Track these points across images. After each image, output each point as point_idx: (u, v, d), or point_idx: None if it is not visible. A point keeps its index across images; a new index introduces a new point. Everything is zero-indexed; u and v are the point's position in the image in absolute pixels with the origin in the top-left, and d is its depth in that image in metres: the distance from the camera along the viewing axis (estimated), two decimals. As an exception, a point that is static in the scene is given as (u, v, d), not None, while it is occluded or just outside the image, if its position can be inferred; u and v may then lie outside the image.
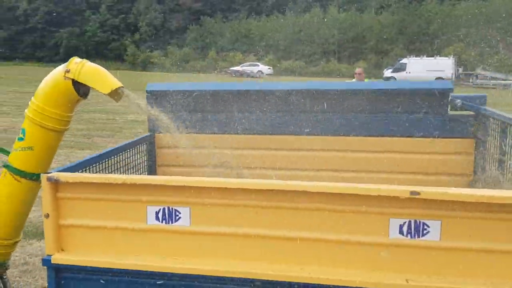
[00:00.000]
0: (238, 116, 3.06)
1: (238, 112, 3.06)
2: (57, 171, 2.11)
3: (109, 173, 2.77)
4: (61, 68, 2.53)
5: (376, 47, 46.81)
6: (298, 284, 1.84)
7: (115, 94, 2.52)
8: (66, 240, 2.11)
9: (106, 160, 2.71)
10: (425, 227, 1.77)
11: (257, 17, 55.26)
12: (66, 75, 2.51)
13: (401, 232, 1.78)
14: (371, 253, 1.81)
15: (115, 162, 2.86)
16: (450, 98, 2.78)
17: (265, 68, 42.89)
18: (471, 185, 2.70)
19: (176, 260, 1.97)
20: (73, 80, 2.49)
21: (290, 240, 1.86)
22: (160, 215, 1.99)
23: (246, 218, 1.90)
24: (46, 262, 2.06)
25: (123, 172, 2.93)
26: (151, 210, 1.99)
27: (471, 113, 2.79)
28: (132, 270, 1.97)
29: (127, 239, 2.02)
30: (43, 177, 2.04)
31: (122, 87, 2.54)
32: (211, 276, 1.90)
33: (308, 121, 2.95)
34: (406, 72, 33.98)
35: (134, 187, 1.96)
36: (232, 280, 1.89)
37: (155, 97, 3.23)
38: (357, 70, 10.02)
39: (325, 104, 2.93)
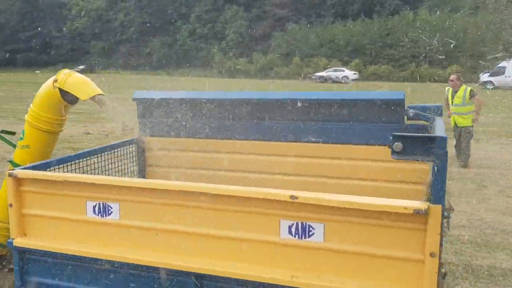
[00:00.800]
0: (201, 121, 3.31)
1: (204, 118, 3.31)
2: (32, 167, 2.54)
3: (97, 171, 3.13)
4: (52, 78, 2.97)
5: (472, 50, 44.11)
6: (202, 275, 2.08)
7: (97, 101, 2.93)
8: (27, 227, 2.49)
9: (84, 159, 3.03)
10: (311, 229, 1.92)
11: (342, 22, 54.38)
12: (54, 84, 2.97)
13: (290, 232, 1.95)
14: (265, 250, 2.00)
15: (105, 160, 3.19)
16: (404, 108, 2.77)
17: (350, 74, 42.22)
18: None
19: (108, 248, 2.29)
20: (60, 88, 2.94)
21: (199, 235, 2.11)
22: (96, 209, 2.32)
23: (163, 215, 2.17)
24: (9, 244, 2.45)
25: (111, 171, 3.23)
26: (90, 204, 2.32)
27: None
28: (75, 255, 2.32)
29: (71, 228, 2.39)
30: (7, 173, 2.43)
31: (100, 94, 2.93)
32: (133, 264, 2.22)
33: (266, 128, 3.14)
34: (506, 76, 31.56)
35: (75, 184, 2.32)
36: (148, 268, 2.20)
37: (142, 103, 3.54)
38: (452, 76, 9.29)
39: (276, 113, 3.11)
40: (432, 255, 1.76)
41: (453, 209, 2.77)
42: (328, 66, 46.62)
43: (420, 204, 1.78)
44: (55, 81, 3.01)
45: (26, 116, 3.13)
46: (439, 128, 2.43)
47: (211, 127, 3.26)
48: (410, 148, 1.74)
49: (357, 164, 2.82)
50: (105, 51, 64.80)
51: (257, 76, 47.70)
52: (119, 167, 3.28)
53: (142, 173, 3.54)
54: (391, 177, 2.83)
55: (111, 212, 2.30)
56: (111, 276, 2.30)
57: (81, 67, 61.58)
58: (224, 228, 2.08)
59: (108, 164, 3.24)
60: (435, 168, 1.71)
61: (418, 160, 1.77)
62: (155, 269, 2.18)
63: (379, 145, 2.68)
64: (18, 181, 2.45)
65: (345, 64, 47.24)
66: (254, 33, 61.60)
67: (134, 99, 3.55)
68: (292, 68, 50.65)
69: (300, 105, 2.98)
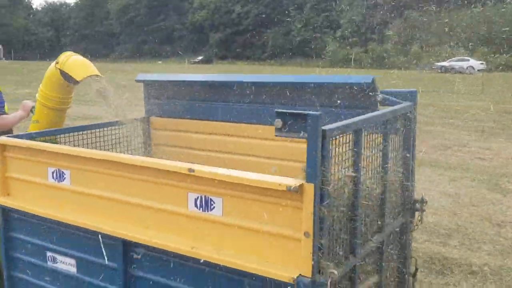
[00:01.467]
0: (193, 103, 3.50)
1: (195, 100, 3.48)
2: (15, 136, 2.89)
3: (104, 145, 3.41)
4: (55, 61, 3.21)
5: None
6: (128, 241, 2.27)
7: (94, 85, 3.16)
8: (10, 188, 2.81)
9: (82, 132, 3.31)
10: (212, 202, 2.03)
11: (469, 7, 50.13)
12: (56, 66, 3.20)
13: (195, 205, 2.07)
14: (176, 220, 2.15)
15: (110, 135, 3.45)
16: (375, 92, 2.73)
17: (476, 64, 39.04)
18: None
19: (63, 211, 2.55)
20: (60, 69, 3.17)
21: (125, 203, 2.32)
22: (54, 175, 2.59)
23: (99, 182, 2.41)
24: None
25: (120, 146, 3.50)
26: (50, 170, 2.59)
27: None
28: (41, 216, 2.62)
29: (38, 192, 2.67)
30: None
31: (96, 76, 3.14)
32: (81, 227, 2.46)
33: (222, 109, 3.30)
34: None
35: (39, 152, 2.62)
36: (90, 231, 2.43)
37: (146, 85, 3.73)
38: None
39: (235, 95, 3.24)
40: (306, 234, 1.78)
41: (426, 202, 2.72)
42: (452, 55, 43.33)
43: (293, 182, 1.80)
44: (57, 63, 3.24)
45: (37, 95, 3.44)
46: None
47: (203, 108, 3.44)
48: (290, 126, 1.76)
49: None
50: (222, 42, 67.06)
51: (372, 66, 45.96)
52: (113, 145, 3.50)
53: (148, 151, 3.77)
54: None
55: (64, 178, 2.59)
56: (68, 237, 2.60)
57: (199, 58, 64.61)
58: (144, 197, 2.27)
59: (111, 140, 3.53)
60: (308, 146, 1.74)
61: (294, 138, 1.78)
62: (96, 233, 2.42)
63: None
64: (2, 147, 2.80)
65: (471, 53, 43.52)
66: (370, 21, 59.45)
67: (137, 80, 3.77)
68: (410, 57, 48.07)
69: (272, 88, 3.09)
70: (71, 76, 3.18)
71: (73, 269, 2.62)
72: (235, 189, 1.96)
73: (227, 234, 2.03)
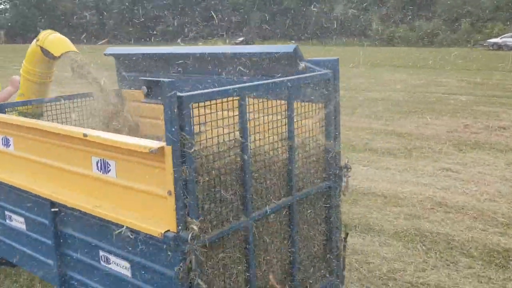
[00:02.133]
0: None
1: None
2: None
3: (80, 115, 3.71)
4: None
5: None
6: (51, 200, 2.57)
7: (70, 60, 3.44)
8: None
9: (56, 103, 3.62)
10: (108, 165, 2.26)
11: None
12: (37, 43, 3.54)
13: (97, 168, 2.32)
14: (85, 182, 2.43)
15: (86, 106, 3.71)
16: (298, 61, 2.76)
17: (531, 40, 36.60)
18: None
19: (6, 174, 2.90)
20: (41, 46, 3.51)
21: (47, 166, 2.63)
22: (3, 141, 2.91)
23: (31, 148, 2.71)
24: None
25: (94, 116, 3.62)
26: (1, 138, 2.92)
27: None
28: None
29: None
30: None
31: (73, 51, 3.48)
32: (24, 190, 2.75)
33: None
34: None
35: None
36: (26, 192, 2.74)
37: (119, 59, 3.89)
38: None
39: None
40: (169, 193, 1.95)
41: (349, 168, 2.83)
42: (505, 31, 41.02)
43: (155, 144, 1.97)
44: (37, 40, 3.56)
45: (21, 70, 3.78)
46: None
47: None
48: (153, 92, 1.91)
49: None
50: (263, 22, 66.30)
51: (419, 44, 44.18)
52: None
53: (118, 122, 3.89)
54: None
55: (10, 144, 2.91)
56: (17, 198, 2.90)
57: (240, 39, 64.20)
58: (62, 161, 2.55)
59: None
60: (165, 111, 1.86)
61: (158, 103, 1.90)
62: (31, 194, 2.73)
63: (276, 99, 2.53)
64: None
65: (525, 29, 41.14)
66: (418, -3, 57.05)
67: (105, 54, 3.91)
68: (459, 34, 46.05)
69: (210, 59, 3.18)
70: (49, 52, 3.54)
71: (23, 226, 2.98)
72: (120, 152, 2.18)
73: (119, 194, 2.28)
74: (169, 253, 2.03)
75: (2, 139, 2.96)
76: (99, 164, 2.32)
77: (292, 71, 2.76)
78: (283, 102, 2.48)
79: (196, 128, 1.99)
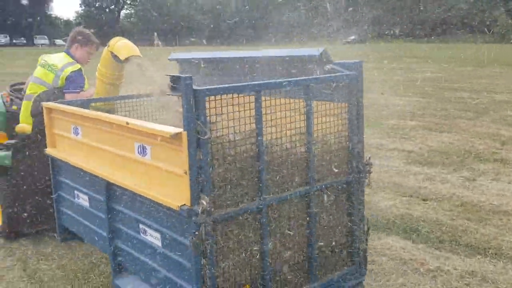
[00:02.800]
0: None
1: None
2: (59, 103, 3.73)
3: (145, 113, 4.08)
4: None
5: None
6: (108, 181, 3.00)
7: (135, 62, 3.92)
8: (56, 141, 3.69)
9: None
10: (145, 149, 2.62)
11: None
12: (108, 48, 4.05)
13: (138, 151, 2.68)
14: (130, 164, 2.80)
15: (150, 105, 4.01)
16: (328, 64, 2.94)
17: None
18: None
19: (75, 158, 3.40)
20: (111, 51, 4.01)
21: (107, 151, 3.04)
22: (74, 130, 3.39)
23: (95, 136, 3.16)
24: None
25: (156, 114, 4.05)
26: (72, 127, 3.41)
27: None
28: (70, 163, 3.45)
29: (66, 143, 3.56)
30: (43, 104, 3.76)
31: (137, 56, 3.94)
32: (84, 170, 3.28)
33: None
34: None
35: (64, 113, 3.47)
36: (86, 172, 3.26)
37: (181, 63, 4.10)
38: None
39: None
40: (185, 172, 2.27)
41: (371, 164, 2.97)
42: None
43: (175, 130, 2.30)
44: (108, 46, 4.09)
45: (96, 73, 4.27)
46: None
47: (215, 81, 3.77)
48: (177, 87, 2.23)
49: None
50: (376, 20, 64.19)
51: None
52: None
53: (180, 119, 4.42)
54: None
55: (78, 133, 3.35)
56: (82, 178, 3.37)
57: (352, 37, 62.66)
58: (111, 146, 2.96)
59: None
60: (183, 102, 2.21)
61: (180, 95, 2.24)
62: (91, 175, 3.19)
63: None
64: (49, 110, 3.70)
65: None
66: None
67: (169, 59, 4.12)
68: None
69: (253, 63, 3.43)
70: (117, 56, 4.04)
71: (87, 204, 3.41)
72: (153, 137, 2.52)
73: (153, 174, 2.61)
74: (185, 224, 2.39)
75: (73, 128, 3.44)
76: (139, 149, 2.70)
77: (317, 71, 3.00)
78: (301, 100, 2.75)
79: (212, 119, 2.34)
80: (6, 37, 61.33)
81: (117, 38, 4.11)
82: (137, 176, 2.75)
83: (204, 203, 2.27)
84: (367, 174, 3.01)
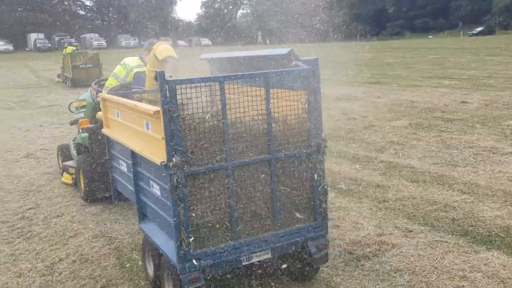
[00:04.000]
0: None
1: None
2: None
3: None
4: None
5: None
6: (132, 150, 3.90)
7: (169, 62, 5.02)
8: (109, 123, 4.64)
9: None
10: (149, 125, 3.42)
11: None
12: (152, 51, 5.11)
13: (145, 127, 3.48)
14: (145, 137, 3.56)
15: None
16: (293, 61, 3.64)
17: None
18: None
19: (117, 134, 4.39)
20: (153, 53, 5.05)
21: (132, 128, 3.88)
22: (117, 114, 4.26)
23: (126, 116, 4.05)
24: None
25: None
26: (115, 111, 4.29)
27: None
28: (113, 137, 4.52)
29: (114, 124, 4.50)
30: (99, 95, 5.13)
31: (172, 57, 5.02)
32: (121, 143, 4.21)
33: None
34: None
35: (111, 102, 4.45)
36: (122, 144, 4.19)
37: (212, 63, 4.76)
38: None
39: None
40: (162, 138, 3.10)
41: (326, 140, 3.61)
42: None
43: (156, 109, 3.20)
44: (153, 48, 5.11)
45: (145, 70, 5.38)
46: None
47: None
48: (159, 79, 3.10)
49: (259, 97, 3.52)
50: (508, 9, 58.45)
51: None
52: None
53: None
54: None
55: (119, 115, 4.22)
56: (123, 150, 4.32)
57: (479, 29, 57.70)
58: (132, 123, 3.86)
59: None
60: (160, 89, 3.08)
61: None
62: (124, 146, 4.18)
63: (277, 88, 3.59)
64: (104, 100, 4.68)
65: None
66: None
67: (201, 59, 4.80)
68: None
69: (241, 60, 4.26)
70: (156, 56, 4.99)
71: (125, 169, 4.38)
72: (150, 116, 3.33)
73: (153, 142, 3.38)
74: (165, 176, 3.20)
75: (116, 112, 4.29)
76: (146, 125, 3.48)
77: (287, 67, 3.65)
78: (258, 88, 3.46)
79: (184, 101, 3.16)
80: (136, 39, 66.83)
81: (160, 42, 5.20)
82: (145, 145, 3.61)
83: (175, 160, 3.08)
84: (324, 149, 3.63)
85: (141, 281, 4.10)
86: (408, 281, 3.89)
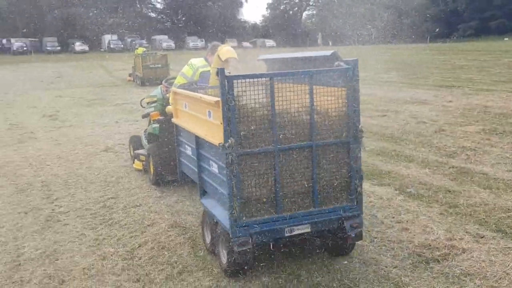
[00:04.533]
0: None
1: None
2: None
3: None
4: None
5: None
6: (196, 135, 4.63)
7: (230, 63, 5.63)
8: (178, 113, 5.42)
9: None
10: (210, 113, 4.07)
11: None
12: (216, 52, 5.75)
13: (208, 115, 4.14)
14: (207, 124, 4.22)
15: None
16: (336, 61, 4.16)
17: None
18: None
19: (184, 123, 5.14)
20: (217, 54, 5.70)
21: (196, 117, 4.64)
22: (185, 105, 5.05)
23: (192, 107, 4.76)
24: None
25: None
26: (184, 103, 5.10)
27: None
28: (181, 125, 5.31)
29: (182, 114, 5.29)
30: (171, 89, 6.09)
31: (233, 58, 5.64)
32: (187, 130, 4.96)
33: None
34: None
35: (180, 95, 5.25)
36: (188, 131, 4.99)
37: (268, 63, 5.41)
38: None
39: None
40: (220, 123, 3.68)
41: (362, 131, 4.02)
42: None
43: (216, 99, 3.83)
44: (216, 50, 5.77)
45: (210, 68, 6.14)
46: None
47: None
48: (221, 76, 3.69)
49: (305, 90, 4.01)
50: None
51: None
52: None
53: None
54: None
55: (187, 106, 4.96)
56: (187, 136, 5.08)
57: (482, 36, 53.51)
58: (197, 112, 4.54)
59: None
60: (220, 83, 3.70)
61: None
62: (189, 132, 4.93)
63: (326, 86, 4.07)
64: (175, 93, 5.46)
65: None
66: None
67: (258, 60, 5.40)
68: None
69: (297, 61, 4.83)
70: (219, 57, 5.63)
71: (190, 152, 5.08)
72: (211, 105, 4.00)
73: (213, 128, 4.00)
74: (221, 155, 3.80)
75: (184, 104, 5.05)
76: (208, 113, 4.12)
77: (331, 67, 4.11)
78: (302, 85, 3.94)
79: (238, 93, 3.70)
80: (203, 41, 68.58)
81: (224, 45, 5.88)
82: (207, 130, 4.25)
83: (230, 141, 3.66)
84: (361, 139, 4.04)
85: (214, 269, 4.36)
86: (478, 286, 3.88)
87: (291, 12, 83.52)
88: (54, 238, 5.26)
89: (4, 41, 65.48)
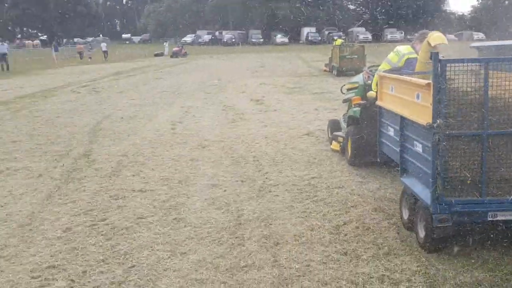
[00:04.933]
0: None
1: None
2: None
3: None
4: None
5: None
6: (401, 115, 4.74)
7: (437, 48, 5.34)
8: (382, 96, 5.62)
9: None
10: (419, 95, 4.22)
11: None
12: (427, 38, 5.58)
13: (416, 97, 4.27)
14: (413, 104, 4.42)
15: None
16: None
17: None
18: None
19: (389, 104, 5.23)
20: (427, 41, 5.53)
21: (403, 99, 4.72)
22: (391, 88, 5.18)
23: (399, 90, 4.94)
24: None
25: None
26: (390, 86, 5.21)
27: None
28: (385, 107, 5.44)
29: (387, 97, 5.49)
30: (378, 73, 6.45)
31: (443, 44, 5.42)
32: (391, 111, 5.12)
33: None
34: None
35: (387, 78, 5.49)
36: (392, 112, 5.12)
37: (480, 50, 6.14)
38: None
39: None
40: (430, 104, 3.87)
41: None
42: None
43: (427, 82, 4.00)
44: (425, 37, 5.56)
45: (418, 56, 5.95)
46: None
47: None
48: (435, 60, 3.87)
49: None
50: None
51: None
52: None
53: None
54: None
55: (392, 89, 5.14)
56: (391, 116, 5.23)
57: None
58: (404, 95, 4.67)
59: None
60: (433, 67, 3.88)
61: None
62: (393, 112, 5.11)
63: None
64: (381, 77, 5.62)
65: None
66: None
67: (471, 47, 6.02)
68: None
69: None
70: (429, 43, 5.39)
71: (392, 133, 5.19)
72: (420, 87, 4.15)
73: (420, 109, 4.13)
74: (429, 135, 3.90)
75: (390, 87, 5.15)
76: (416, 95, 4.21)
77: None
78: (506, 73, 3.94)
79: (449, 77, 3.83)
80: (402, 33, 66.26)
81: (435, 31, 5.68)
82: (414, 111, 4.32)
83: (438, 122, 3.77)
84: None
85: (421, 257, 4.31)
86: None
87: (506, 2, 74.76)
88: (267, 205, 5.82)
89: (216, 33, 73.47)
